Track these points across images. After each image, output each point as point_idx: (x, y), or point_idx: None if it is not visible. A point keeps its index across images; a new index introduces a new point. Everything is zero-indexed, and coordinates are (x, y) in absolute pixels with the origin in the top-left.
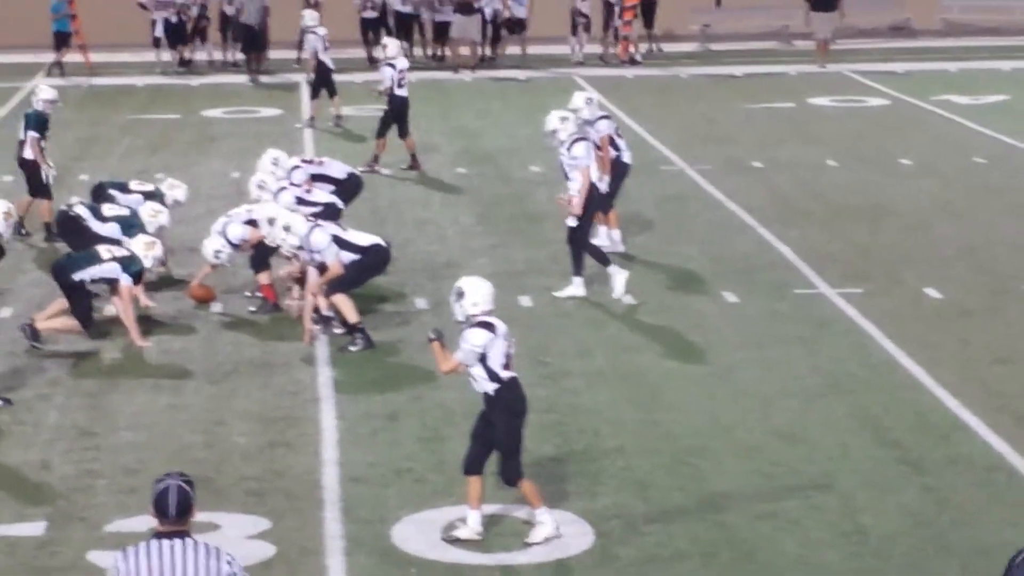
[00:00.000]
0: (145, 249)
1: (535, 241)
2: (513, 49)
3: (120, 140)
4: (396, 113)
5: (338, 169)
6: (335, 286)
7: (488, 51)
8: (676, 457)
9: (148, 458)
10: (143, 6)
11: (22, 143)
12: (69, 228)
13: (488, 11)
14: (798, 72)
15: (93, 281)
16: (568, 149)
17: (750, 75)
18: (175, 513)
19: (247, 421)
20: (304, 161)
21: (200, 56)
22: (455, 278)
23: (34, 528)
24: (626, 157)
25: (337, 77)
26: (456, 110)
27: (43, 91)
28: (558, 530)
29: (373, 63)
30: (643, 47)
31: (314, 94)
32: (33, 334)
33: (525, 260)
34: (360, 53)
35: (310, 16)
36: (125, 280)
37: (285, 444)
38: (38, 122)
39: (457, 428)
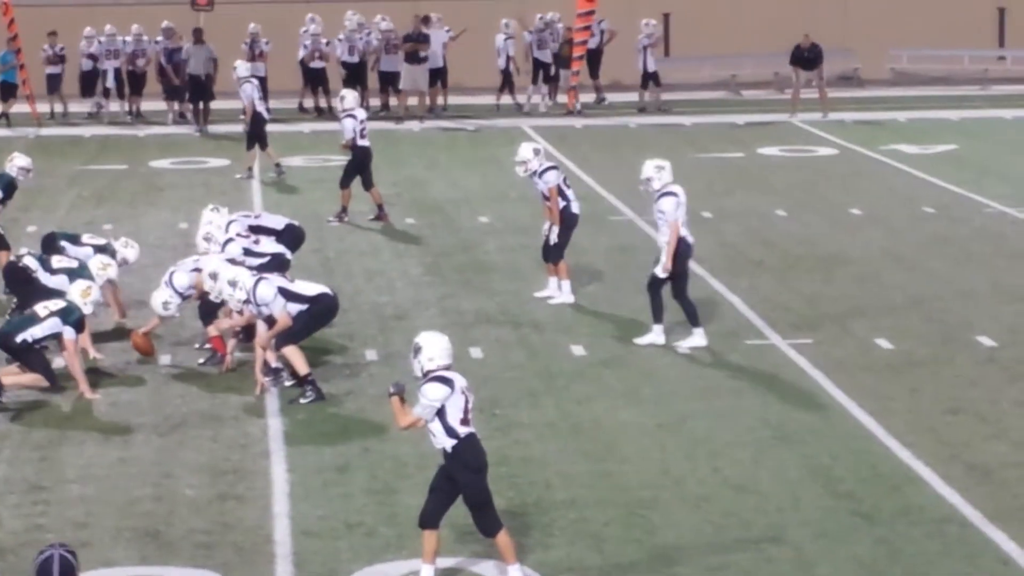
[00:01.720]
0: (82, 296)
1: (485, 291)
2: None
3: (67, 191)
4: (359, 164)
5: (276, 221)
6: (284, 338)
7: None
8: (628, 509)
9: (97, 512)
10: (92, 56)
11: None
12: (17, 279)
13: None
14: (746, 122)
15: (37, 341)
16: (656, 202)
17: (699, 125)
18: None
19: (196, 474)
20: (241, 215)
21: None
22: (405, 329)
23: None
24: (575, 207)
25: (285, 128)
26: (404, 160)
27: (19, 159)
28: None
29: (320, 113)
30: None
31: (249, 145)
32: None
33: (475, 311)
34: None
35: (243, 67)
36: (68, 333)
37: (235, 497)
38: (6, 185)
39: (408, 480)
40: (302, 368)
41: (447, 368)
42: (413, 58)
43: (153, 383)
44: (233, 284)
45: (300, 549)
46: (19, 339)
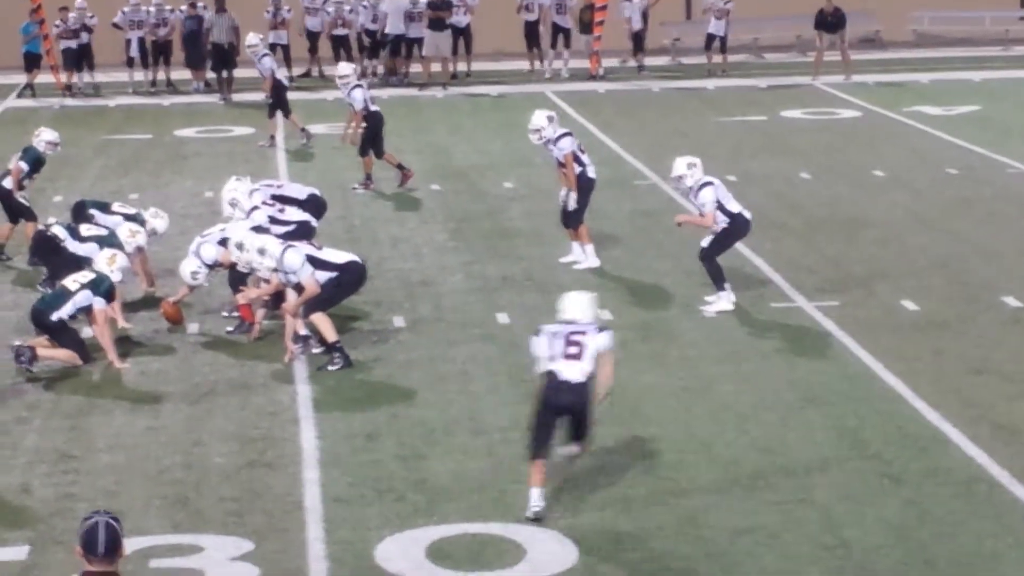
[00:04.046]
0: (108, 264)
1: (510, 257)
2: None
3: (93, 161)
4: (375, 130)
5: (298, 190)
6: (313, 305)
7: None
8: (656, 472)
9: (127, 480)
10: (117, 26)
11: (7, 172)
12: (46, 248)
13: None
14: (769, 85)
15: (72, 316)
16: (695, 196)
17: (721, 88)
18: (104, 551)
19: (226, 441)
20: (264, 184)
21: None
22: (431, 295)
23: (16, 552)
24: (591, 172)
25: (308, 96)
26: (428, 127)
27: (46, 133)
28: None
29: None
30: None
31: (271, 113)
32: (31, 358)
33: (500, 276)
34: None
35: (255, 38)
36: (98, 304)
37: (265, 464)
38: (34, 159)
39: (437, 446)
40: (330, 335)
41: (567, 322)
42: (436, 24)
43: (182, 352)
44: (262, 252)
45: (330, 515)
46: (54, 317)
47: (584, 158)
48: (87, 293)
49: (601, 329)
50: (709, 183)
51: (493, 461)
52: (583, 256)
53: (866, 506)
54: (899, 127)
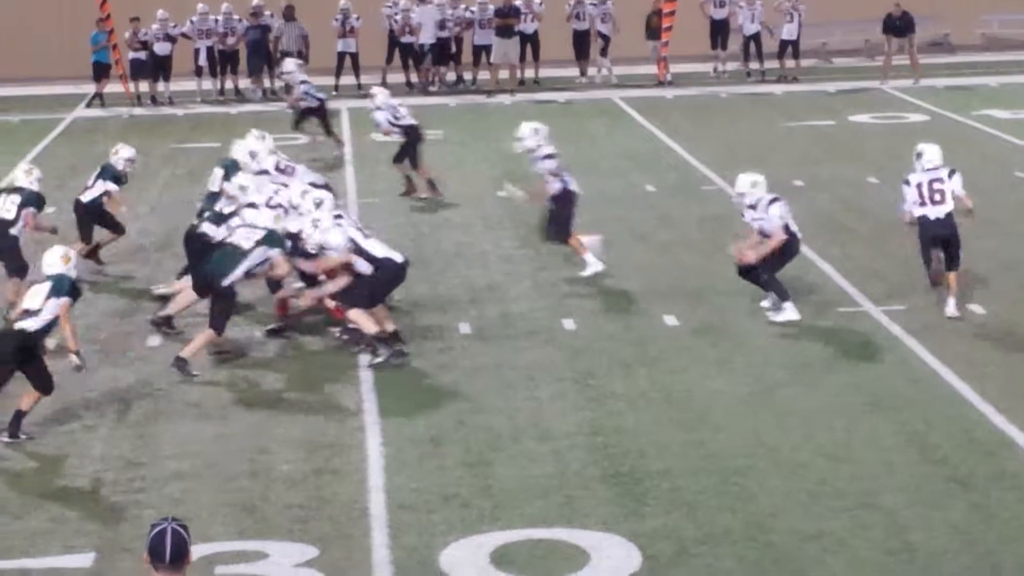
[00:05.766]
0: (276, 222)
1: (576, 264)
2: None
3: (161, 170)
4: (413, 142)
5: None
6: (351, 302)
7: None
8: (722, 477)
9: (194, 488)
10: (186, 35)
11: (87, 188)
12: (196, 247)
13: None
14: (837, 89)
15: (249, 274)
16: (766, 211)
17: (789, 93)
18: (170, 558)
19: (292, 448)
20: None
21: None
22: (497, 302)
23: (83, 560)
24: (572, 186)
25: (368, 104)
26: (496, 133)
27: (124, 150)
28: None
29: (411, 88)
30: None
31: (328, 132)
32: (181, 366)
33: (567, 283)
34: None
35: (295, 63)
36: (276, 254)
37: (331, 471)
38: (112, 177)
39: (502, 452)
40: (369, 327)
41: (931, 170)
42: (504, 31)
43: (248, 358)
44: (319, 205)
45: (395, 522)
46: (226, 283)
47: (565, 175)
48: (261, 250)
49: (952, 174)
50: (778, 198)
51: (559, 467)
52: (588, 264)
53: (932, 511)
54: (968, 131)
